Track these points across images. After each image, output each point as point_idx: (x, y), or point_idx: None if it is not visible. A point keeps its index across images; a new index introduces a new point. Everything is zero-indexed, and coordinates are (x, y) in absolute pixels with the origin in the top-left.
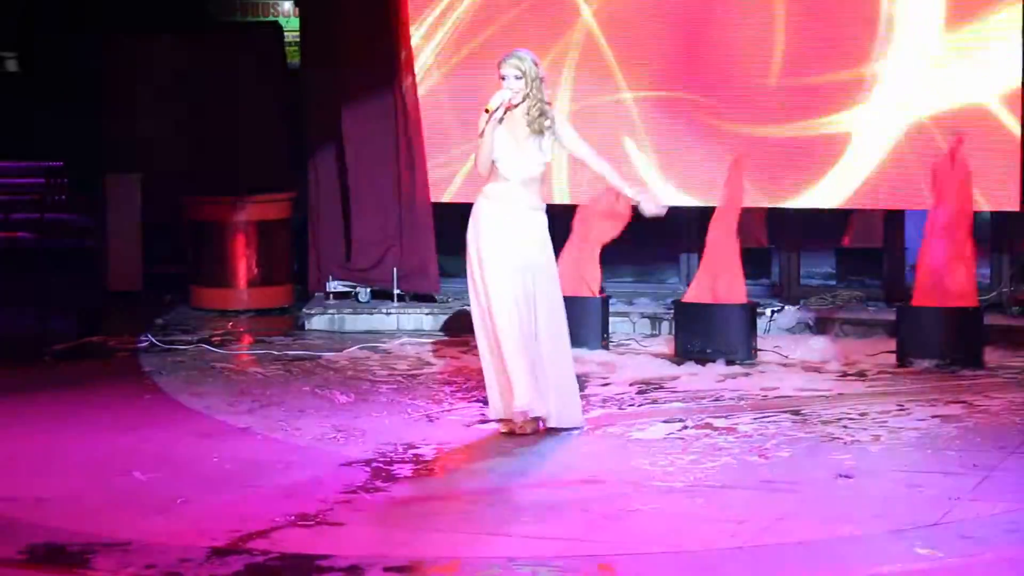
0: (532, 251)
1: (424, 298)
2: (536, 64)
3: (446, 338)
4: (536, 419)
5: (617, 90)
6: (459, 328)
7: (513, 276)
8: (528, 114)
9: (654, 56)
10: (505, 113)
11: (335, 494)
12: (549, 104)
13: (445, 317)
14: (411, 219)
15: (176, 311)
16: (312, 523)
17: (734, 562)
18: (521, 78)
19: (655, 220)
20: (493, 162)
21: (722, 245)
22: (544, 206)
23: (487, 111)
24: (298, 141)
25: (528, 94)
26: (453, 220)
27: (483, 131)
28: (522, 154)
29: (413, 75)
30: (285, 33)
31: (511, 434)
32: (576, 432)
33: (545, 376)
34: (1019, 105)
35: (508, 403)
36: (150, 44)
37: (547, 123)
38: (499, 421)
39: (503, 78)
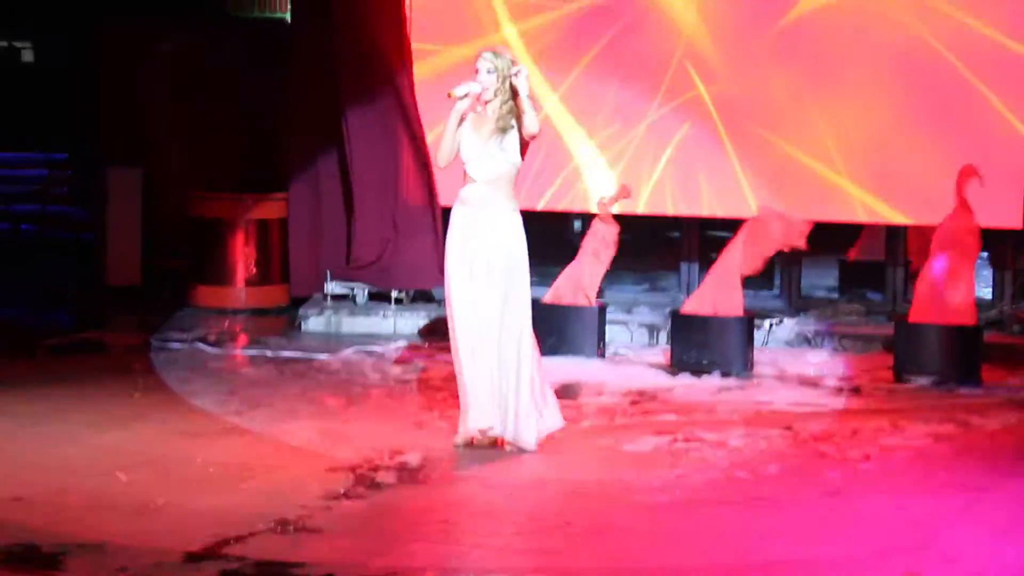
0: (497, 252)
1: (423, 299)
2: (513, 63)
3: (443, 343)
4: (494, 436)
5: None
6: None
7: (475, 286)
8: (498, 110)
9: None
10: (478, 104)
11: (316, 500)
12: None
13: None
14: (410, 219)
15: (174, 308)
16: (290, 529)
17: None
18: (493, 73)
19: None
20: (464, 163)
21: (730, 262)
22: (515, 205)
23: (449, 95)
24: (300, 139)
25: (499, 90)
26: None
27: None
28: (486, 154)
29: (411, 75)
30: None
31: (469, 445)
32: (555, 443)
33: (511, 386)
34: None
35: (463, 418)
36: (156, 37)
37: (513, 120)
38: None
39: (476, 71)
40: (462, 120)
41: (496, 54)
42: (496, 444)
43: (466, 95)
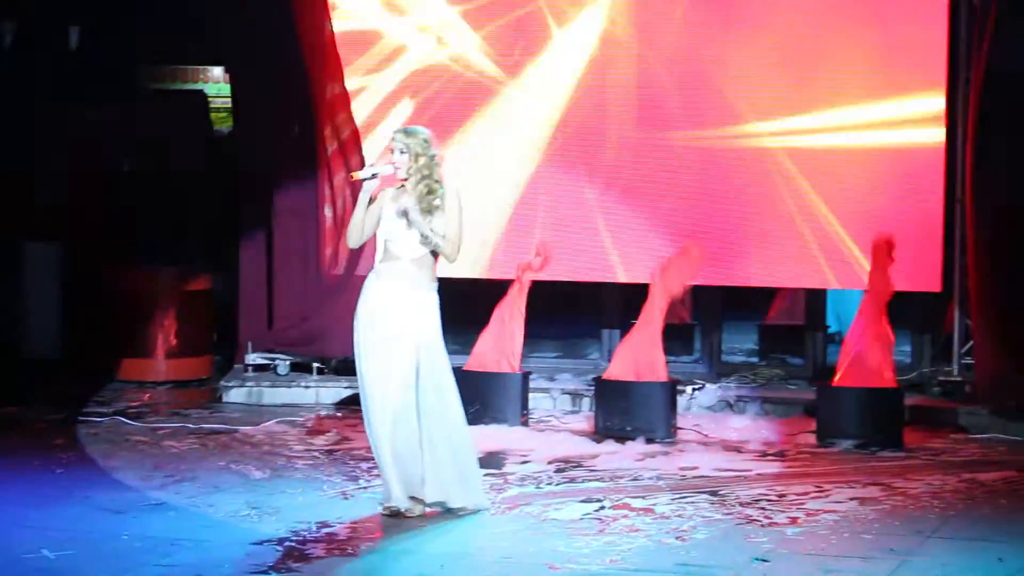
0: (415, 329)
1: (344, 372)
2: (427, 142)
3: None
4: (420, 504)
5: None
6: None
7: (388, 363)
8: (418, 193)
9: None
10: (379, 185)
11: (246, 574)
12: (439, 182)
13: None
14: (332, 289)
15: (95, 381)
16: None
17: None
18: (405, 153)
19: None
20: (385, 240)
21: (649, 324)
22: (436, 285)
23: (351, 178)
24: (225, 209)
25: (412, 170)
26: None
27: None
28: (412, 233)
29: (341, 149)
30: (213, 99)
31: (395, 516)
32: (482, 513)
33: (436, 458)
34: (940, 190)
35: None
36: (74, 111)
37: (436, 202)
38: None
39: (391, 151)
40: (372, 200)
41: (407, 132)
42: (424, 513)
43: (373, 176)
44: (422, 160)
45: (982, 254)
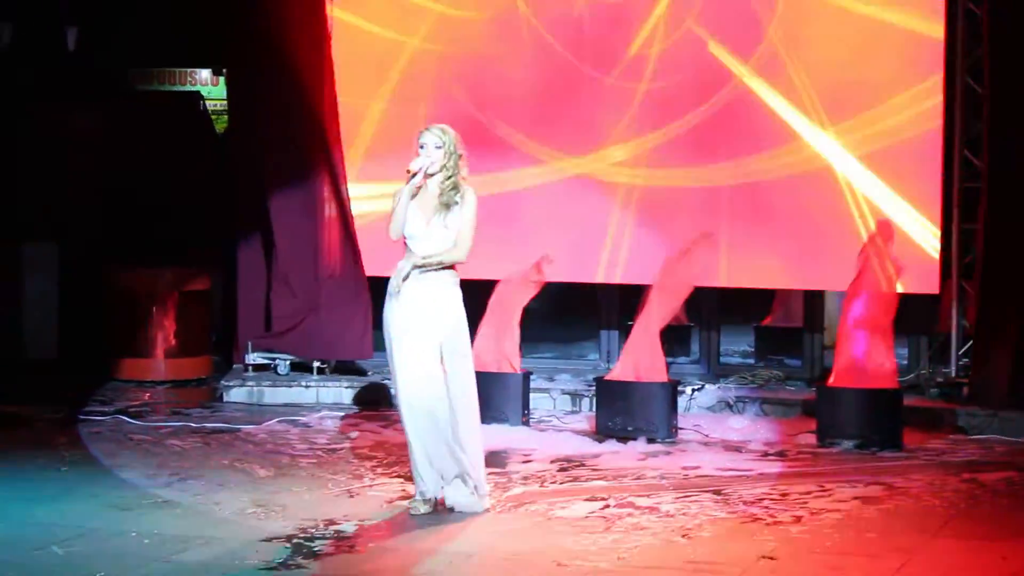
0: (439, 324)
1: (345, 371)
2: (458, 141)
3: (368, 412)
4: (429, 501)
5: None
6: (375, 401)
7: (419, 354)
8: (441, 185)
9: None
10: (422, 180)
11: (255, 571)
12: (463, 179)
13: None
14: (334, 290)
15: (94, 381)
16: None
17: None
18: (441, 148)
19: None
20: (406, 238)
21: (648, 325)
22: (457, 279)
23: (408, 171)
24: (223, 210)
25: (445, 165)
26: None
27: (398, 194)
28: (430, 232)
29: (340, 150)
30: (207, 102)
31: (426, 509)
32: (488, 511)
33: (458, 452)
34: (938, 189)
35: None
36: (70, 112)
37: (457, 197)
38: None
39: (422, 147)
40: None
41: (443, 130)
42: (434, 508)
43: (419, 170)
44: (453, 158)
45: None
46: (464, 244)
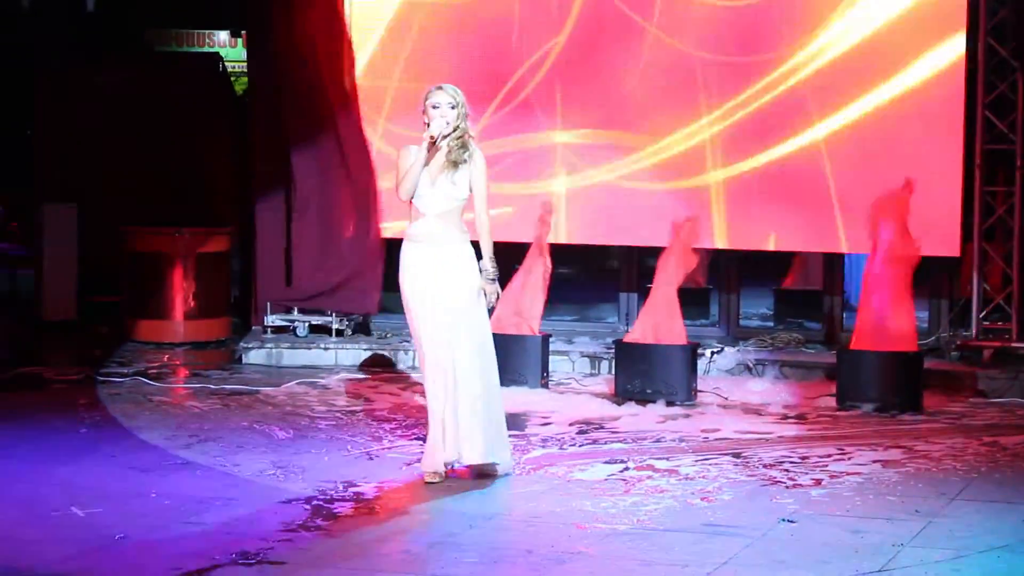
0: (452, 287)
1: (364, 332)
2: (464, 100)
3: (387, 374)
4: (438, 472)
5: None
6: (393, 363)
7: (436, 319)
8: (450, 143)
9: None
10: (440, 143)
11: (276, 532)
12: (472, 137)
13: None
14: (353, 251)
15: (112, 342)
16: (253, 562)
17: None
18: (455, 107)
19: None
20: (412, 200)
21: (665, 287)
22: (467, 237)
23: (432, 138)
24: (243, 172)
25: (457, 125)
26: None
27: (405, 153)
28: (436, 189)
29: (356, 111)
30: (227, 63)
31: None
32: (508, 476)
33: (477, 415)
34: (959, 152)
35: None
36: (89, 74)
37: (465, 155)
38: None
39: (435, 107)
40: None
41: (456, 89)
42: (445, 476)
43: (439, 133)
44: (463, 115)
45: None
46: (486, 211)
